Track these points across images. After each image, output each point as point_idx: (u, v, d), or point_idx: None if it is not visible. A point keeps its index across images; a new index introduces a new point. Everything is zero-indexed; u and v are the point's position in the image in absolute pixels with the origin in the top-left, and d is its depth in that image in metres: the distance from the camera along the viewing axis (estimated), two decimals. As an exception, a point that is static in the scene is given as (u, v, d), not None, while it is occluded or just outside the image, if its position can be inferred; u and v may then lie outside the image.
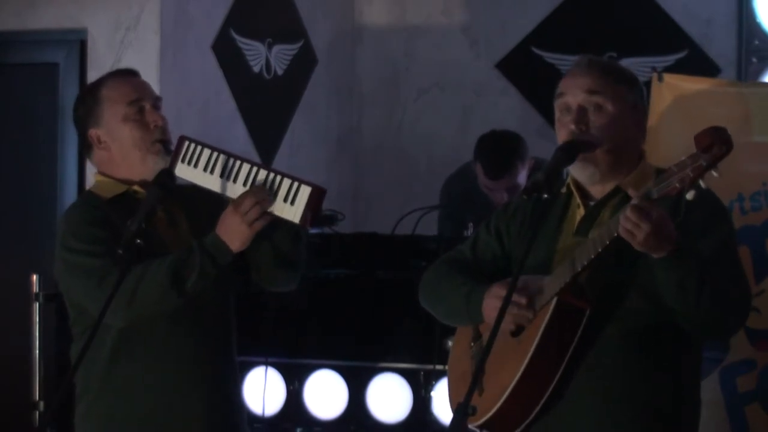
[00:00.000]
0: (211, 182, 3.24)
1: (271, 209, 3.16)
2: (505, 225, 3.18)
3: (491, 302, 2.98)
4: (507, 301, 2.79)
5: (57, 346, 4.51)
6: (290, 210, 3.14)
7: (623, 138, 2.99)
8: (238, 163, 3.23)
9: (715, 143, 2.63)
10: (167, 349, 3.26)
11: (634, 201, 2.72)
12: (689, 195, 2.67)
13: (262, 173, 3.19)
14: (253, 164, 3.22)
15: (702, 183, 2.66)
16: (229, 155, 3.25)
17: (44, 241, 3.35)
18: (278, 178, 3.17)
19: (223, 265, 3.17)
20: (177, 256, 3.16)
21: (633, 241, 2.73)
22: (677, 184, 2.67)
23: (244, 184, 3.20)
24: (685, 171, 2.65)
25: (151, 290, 3.14)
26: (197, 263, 3.15)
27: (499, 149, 5.15)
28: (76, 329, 3.34)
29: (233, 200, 3.17)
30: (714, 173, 2.64)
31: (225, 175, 3.23)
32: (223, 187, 3.23)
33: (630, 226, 2.71)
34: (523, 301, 2.92)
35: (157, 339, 3.26)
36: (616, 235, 2.76)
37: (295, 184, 3.14)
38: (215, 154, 3.26)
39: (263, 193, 3.14)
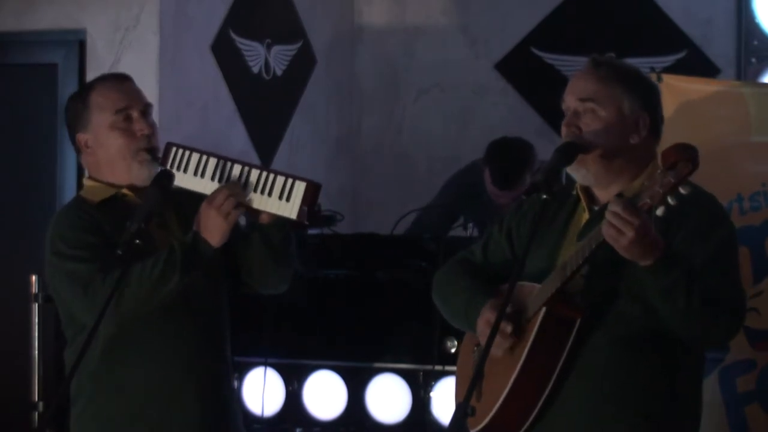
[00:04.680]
0: (203, 185, 3.23)
1: (268, 207, 3.16)
2: (516, 223, 3.18)
3: (482, 326, 3.00)
4: (496, 328, 2.79)
5: (56, 346, 4.48)
6: (286, 206, 3.14)
7: (618, 142, 2.96)
8: (229, 164, 3.22)
9: (679, 161, 2.60)
10: (159, 349, 3.26)
11: (612, 207, 2.70)
12: (659, 211, 2.65)
13: (255, 173, 3.18)
14: (244, 164, 3.21)
15: (671, 200, 2.63)
16: (219, 157, 3.24)
17: (44, 241, 3.34)
18: (271, 176, 3.17)
19: (205, 260, 3.17)
20: (159, 255, 3.16)
21: (617, 246, 2.73)
22: (648, 200, 2.66)
23: None
24: (655, 188, 2.64)
25: (135, 292, 3.14)
26: (179, 261, 3.15)
27: (509, 160, 5.09)
28: (68, 332, 3.34)
29: (207, 196, 3.17)
30: (682, 191, 2.61)
31: (216, 177, 3.22)
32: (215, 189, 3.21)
33: (613, 232, 2.71)
34: (508, 329, 2.92)
35: (149, 339, 3.26)
36: (602, 240, 2.75)
37: (290, 180, 3.14)
38: (204, 157, 3.25)
39: (236, 186, 3.16)
